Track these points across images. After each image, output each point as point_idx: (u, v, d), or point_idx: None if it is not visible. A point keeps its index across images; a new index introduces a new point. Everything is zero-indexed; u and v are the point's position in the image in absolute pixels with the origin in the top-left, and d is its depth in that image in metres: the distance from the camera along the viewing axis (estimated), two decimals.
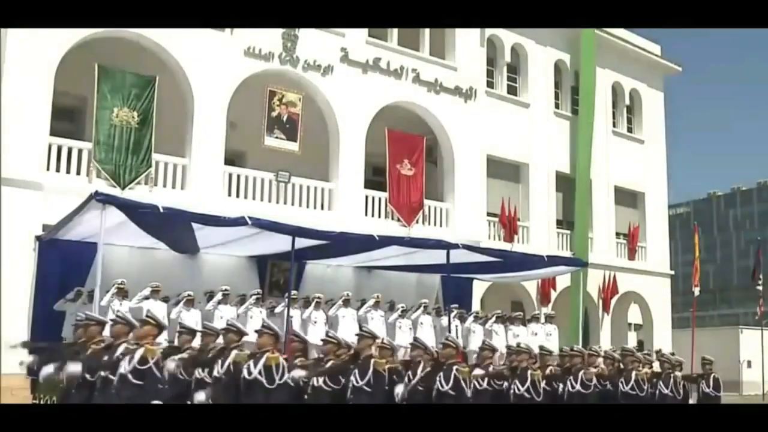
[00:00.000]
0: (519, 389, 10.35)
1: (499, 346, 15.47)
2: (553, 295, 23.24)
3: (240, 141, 18.62)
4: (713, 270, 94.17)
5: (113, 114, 16.07)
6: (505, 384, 10.44)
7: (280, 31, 18.37)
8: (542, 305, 22.59)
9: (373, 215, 19.64)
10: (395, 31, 20.65)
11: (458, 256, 13.77)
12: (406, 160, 20.22)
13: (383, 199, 19.92)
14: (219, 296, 13.61)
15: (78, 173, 15.77)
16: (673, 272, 28.60)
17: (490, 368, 10.52)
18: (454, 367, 9.28)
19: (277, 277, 15.67)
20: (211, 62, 17.39)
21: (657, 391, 11.69)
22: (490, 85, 23.48)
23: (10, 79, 15.04)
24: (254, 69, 18.08)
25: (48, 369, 8.29)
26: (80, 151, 15.91)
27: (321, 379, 9.00)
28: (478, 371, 10.20)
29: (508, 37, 23.90)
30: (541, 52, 24.80)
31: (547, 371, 10.98)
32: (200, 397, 8.52)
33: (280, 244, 12.48)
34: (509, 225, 22.81)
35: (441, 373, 9.24)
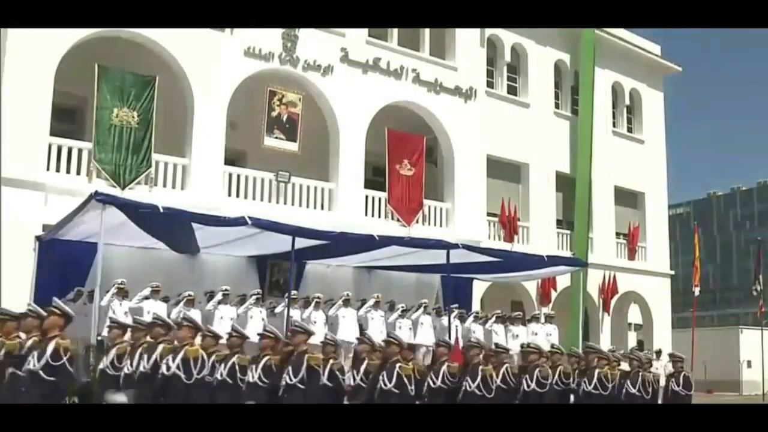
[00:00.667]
0: (470, 386, 9.94)
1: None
2: (553, 295, 23.24)
3: (240, 141, 18.62)
4: (713, 270, 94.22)
5: (113, 114, 16.07)
6: (479, 382, 9.97)
7: (280, 31, 18.37)
8: (542, 305, 22.59)
9: (373, 215, 19.64)
10: (395, 31, 20.65)
11: (458, 256, 13.76)
12: (406, 160, 20.22)
13: (383, 199, 19.92)
14: (219, 296, 13.60)
15: (78, 173, 15.78)
16: (673, 272, 28.60)
17: (445, 367, 10.18)
18: (397, 365, 9.09)
19: (277, 277, 15.66)
20: (211, 62, 17.39)
21: (625, 391, 11.25)
22: (490, 85, 23.49)
23: (10, 79, 15.03)
24: (254, 69, 18.08)
25: None
26: (80, 151, 15.91)
27: (256, 376, 8.73)
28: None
29: (508, 37, 23.91)
30: (541, 52, 24.81)
31: (503, 369, 10.55)
32: (120, 398, 8.49)
33: (280, 244, 12.47)
34: (509, 225, 22.81)
35: (384, 372, 9.06)
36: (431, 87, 21.06)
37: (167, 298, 13.23)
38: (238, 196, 17.70)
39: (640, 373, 11.50)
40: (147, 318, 12.34)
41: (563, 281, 22.95)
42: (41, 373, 7.28)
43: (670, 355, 13.11)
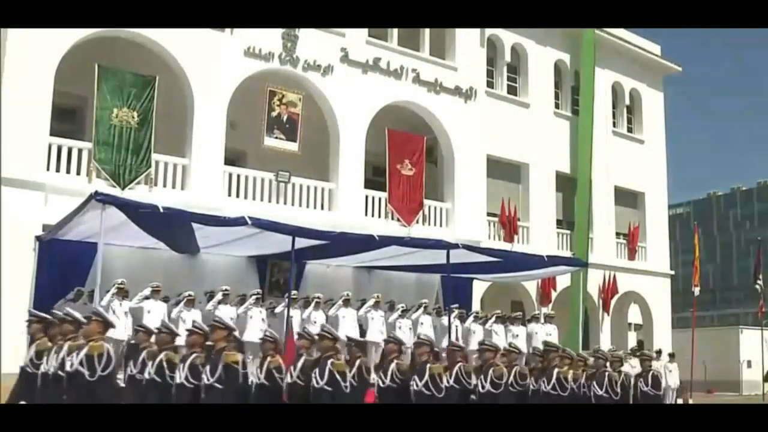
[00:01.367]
0: (417, 385, 9.50)
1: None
2: (553, 295, 23.24)
3: (240, 141, 18.62)
4: (713, 270, 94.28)
5: (113, 114, 16.06)
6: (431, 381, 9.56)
7: (280, 31, 18.37)
8: (542, 305, 22.59)
9: (373, 215, 19.64)
10: (395, 31, 20.65)
11: (458, 256, 13.76)
12: (406, 160, 20.22)
13: (383, 199, 19.91)
14: (219, 296, 13.59)
15: (78, 173, 15.77)
16: (673, 272, 28.60)
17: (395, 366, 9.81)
18: (329, 361, 8.69)
19: (277, 277, 15.65)
20: (211, 62, 17.39)
21: (592, 392, 10.72)
22: (490, 85, 23.48)
23: (10, 79, 15.03)
24: (254, 69, 18.08)
25: None
26: (80, 151, 15.91)
27: (183, 375, 8.39)
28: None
29: (508, 37, 23.90)
30: (541, 52, 24.80)
31: (456, 368, 10.19)
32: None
33: (280, 244, 12.47)
34: (509, 225, 22.81)
35: (317, 368, 8.69)
36: (431, 87, 21.06)
37: (167, 298, 13.24)
38: (238, 196, 17.70)
39: (607, 373, 10.97)
40: (147, 318, 12.40)
41: (563, 281, 22.95)
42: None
43: (639, 354, 12.66)
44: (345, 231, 13.62)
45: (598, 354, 11.66)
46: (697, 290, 25.59)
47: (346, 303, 14.64)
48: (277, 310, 14.06)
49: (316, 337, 9.49)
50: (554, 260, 16.76)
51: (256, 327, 13.31)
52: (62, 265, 13.05)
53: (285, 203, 18.27)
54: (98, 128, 15.92)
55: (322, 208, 19.00)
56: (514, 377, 10.45)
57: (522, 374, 10.58)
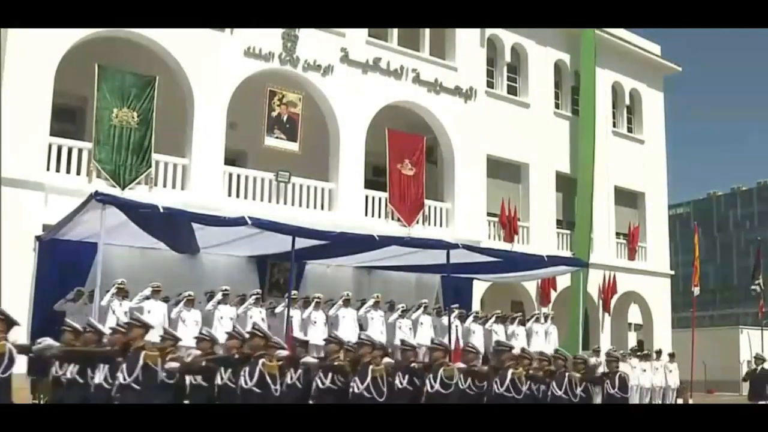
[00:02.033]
0: (359, 387, 9.06)
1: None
2: (553, 295, 23.25)
3: (240, 141, 18.63)
4: (713, 270, 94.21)
5: (113, 114, 16.07)
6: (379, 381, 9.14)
7: (280, 31, 18.38)
8: (542, 305, 22.59)
9: (373, 215, 19.65)
10: (395, 31, 20.65)
11: (458, 256, 13.75)
12: (406, 159, 20.23)
13: (383, 199, 19.92)
14: (219, 296, 13.59)
15: (78, 173, 15.79)
16: (673, 272, 28.60)
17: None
18: (260, 361, 8.22)
19: (277, 277, 15.64)
20: (211, 62, 17.40)
21: (550, 392, 10.33)
22: (490, 85, 23.49)
23: (10, 79, 15.04)
24: (254, 69, 18.09)
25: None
26: (80, 151, 15.92)
27: (102, 376, 8.09)
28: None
29: (508, 37, 23.91)
30: (541, 52, 24.81)
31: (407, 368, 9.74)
32: None
33: (280, 244, 12.46)
34: (509, 225, 22.82)
35: (246, 368, 8.20)
36: (431, 87, 21.06)
37: (167, 298, 13.23)
38: (238, 196, 17.71)
39: (567, 374, 10.57)
40: (147, 318, 12.38)
41: (563, 281, 22.94)
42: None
43: (606, 354, 12.23)
44: (345, 231, 13.61)
45: (557, 355, 11.24)
46: (697, 290, 25.53)
47: (346, 303, 14.63)
48: (277, 310, 14.06)
49: (247, 336, 9.05)
50: (554, 260, 16.75)
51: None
52: (62, 265, 13.04)
53: (285, 203, 18.28)
54: (98, 128, 15.93)
55: (322, 208, 19.00)
56: (471, 378, 9.98)
57: (480, 375, 10.09)
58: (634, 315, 27.86)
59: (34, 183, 14.94)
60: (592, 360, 16.09)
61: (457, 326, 15.27)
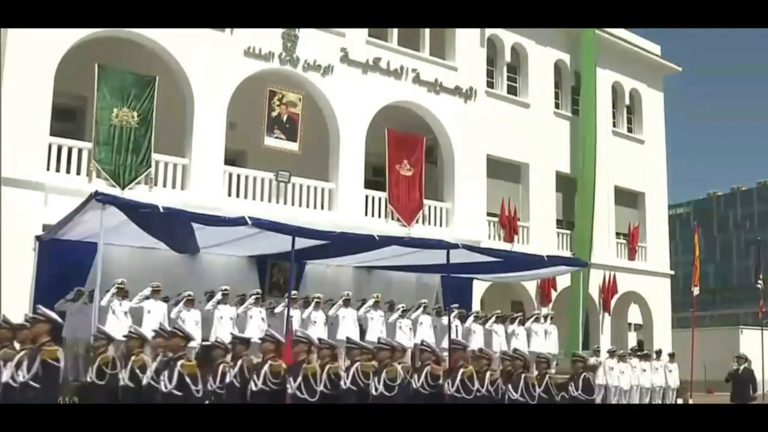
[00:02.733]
0: (292, 387, 8.90)
1: (496, 346, 15.53)
2: (553, 295, 23.25)
3: (240, 141, 18.62)
4: (713, 270, 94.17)
5: (113, 114, 16.07)
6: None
7: (280, 31, 18.37)
8: (542, 305, 22.60)
9: (373, 215, 19.64)
10: (395, 31, 20.64)
11: (458, 256, 13.76)
12: (406, 160, 20.22)
13: (383, 199, 19.91)
14: (219, 296, 13.60)
15: (78, 173, 15.78)
16: (673, 272, 28.60)
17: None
18: (179, 362, 7.84)
19: (277, 277, 15.66)
20: (211, 62, 17.39)
21: (507, 395, 10.12)
22: (490, 85, 23.49)
23: (10, 79, 15.03)
24: (254, 69, 18.08)
25: None
26: (80, 151, 15.91)
27: (8, 374, 7.77)
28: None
29: (508, 37, 23.91)
30: (541, 52, 24.81)
31: (353, 368, 9.63)
32: None
33: (280, 244, 12.47)
34: (509, 225, 22.82)
35: (165, 371, 7.85)
36: (431, 87, 21.06)
37: (167, 298, 13.23)
38: (238, 196, 17.70)
39: (523, 375, 10.37)
40: (147, 318, 12.39)
41: (563, 281, 22.95)
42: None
43: (572, 355, 11.96)
44: (345, 231, 13.61)
45: (515, 355, 11.00)
46: (697, 290, 25.56)
47: (346, 303, 14.64)
48: (277, 310, 14.07)
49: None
50: (554, 260, 16.76)
51: (255, 327, 13.34)
52: (62, 265, 13.04)
53: (285, 203, 18.27)
54: (98, 128, 15.92)
55: (322, 208, 19.00)
56: (425, 378, 9.76)
57: (434, 375, 9.86)
58: (634, 315, 27.87)
59: (34, 183, 14.93)
60: (592, 360, 16.13)
61: (457, 326, 15.27)
